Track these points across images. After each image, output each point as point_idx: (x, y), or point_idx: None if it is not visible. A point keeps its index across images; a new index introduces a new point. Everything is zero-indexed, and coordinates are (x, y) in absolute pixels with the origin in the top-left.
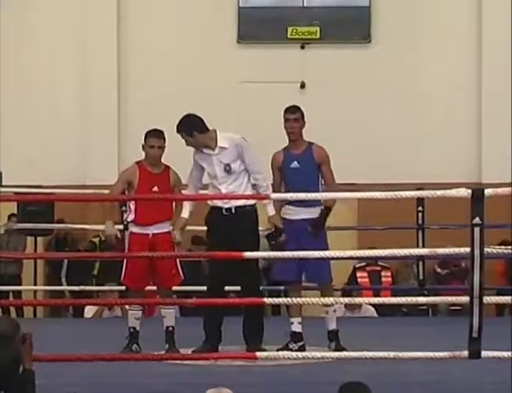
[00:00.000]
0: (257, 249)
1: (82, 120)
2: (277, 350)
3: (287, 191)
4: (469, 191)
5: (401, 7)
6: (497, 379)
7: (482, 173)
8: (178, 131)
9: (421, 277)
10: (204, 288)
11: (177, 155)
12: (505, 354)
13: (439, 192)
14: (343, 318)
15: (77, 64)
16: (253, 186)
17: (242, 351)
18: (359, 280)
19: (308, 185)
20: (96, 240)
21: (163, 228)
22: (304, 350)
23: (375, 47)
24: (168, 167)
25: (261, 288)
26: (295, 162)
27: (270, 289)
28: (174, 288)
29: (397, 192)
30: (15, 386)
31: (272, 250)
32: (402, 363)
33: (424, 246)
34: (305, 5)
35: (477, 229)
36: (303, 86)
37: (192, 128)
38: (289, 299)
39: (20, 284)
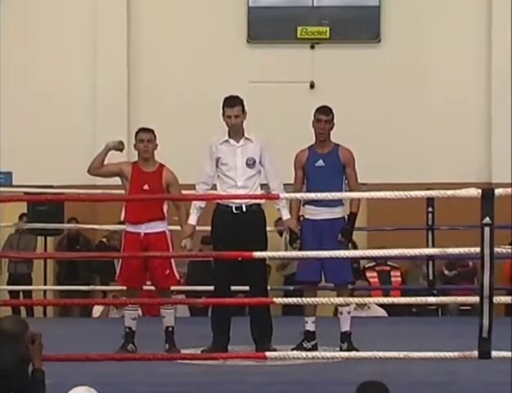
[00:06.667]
0: (265, 248)
1: (91, 120)
2: (292, 350)
3: (309, 190)
4: (479, 190)
5: (411, 7)
6: (507, 379)
7: (492, 173)
8: (238, 103)
9: (431, 277)
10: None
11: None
12: None
13: (449, 192)
14: (353, 317)
15: (86, 64)
16: (262, 186)
17: (252, 351)
18: (369, 280)
19: (331, 185)
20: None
21: (155, 227)
22: (316, 349)
23: (384, 47)
24: (162, 166)
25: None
26: (320, 161)
27: (281, 289)
28: (184, 288)
29: (406, 192)
30: (25, 386)
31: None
32: (412, 363)
33: (433, 247)
34: (315, 5)
35: (487, 229)
36: (312, 86)
37: (244, 106)
38: (299, 299)
39: (30, 283)
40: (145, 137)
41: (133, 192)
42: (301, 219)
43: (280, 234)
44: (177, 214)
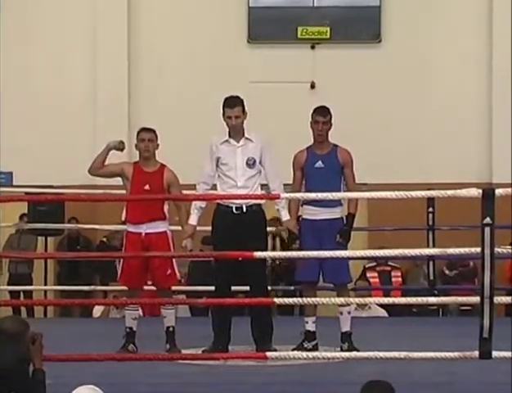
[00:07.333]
0: (265, 249)
1: (91, 120)
2: (292, 350)
3: (308, 191)
4: (480, 191)
5: (412, 7)
6: (508, 379)
7: (493, 173)
8: (238, 103)
9: (431, 277)
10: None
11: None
12: None
13: (449, 192)
14: (353, 317)
15: (86, 64)
16: (262, 186)
17: (252, 351)
18: (369, 280)
19: (330, 186)
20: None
21: (156, 227)
22: (317, 349)
23: (385, 47)
24: (163, 166)
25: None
26: (319, 162)
27: (280, 289)
28: (184, 288)
29: (407, 192)
30: (25, 386)
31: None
32: (413, 364)
33: (434, 247)
34: (315, 5)
35: (487, 229)
36: (313, 86)
37: (244, 106)
38: (299, 299)
39: (30, 284)
40: (147, 137)
41: (134, 192)
42: (300, 219)
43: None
44: (177, 214)
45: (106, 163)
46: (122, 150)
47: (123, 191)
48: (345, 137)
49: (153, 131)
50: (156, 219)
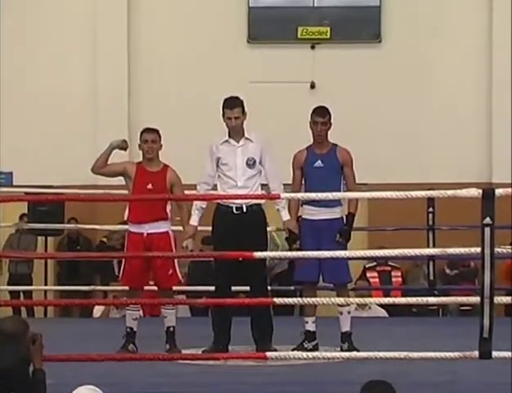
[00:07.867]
0: (265, 249)
1: (91, 120)
2: (292, 350)
3: (307, 191)
4: (480, 191)
5: (412, 7)
6: (508, 380)
7: (493, 173)
8: (238, 104)
9: (431, 277)
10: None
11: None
12: None
13: (449, 192)
14: (354, 317)
15: (86, 64)
16: (262, 186)
17: (252, 351)
18: (369, 280)
19: (330, 185)
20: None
21: (158, 227)
22: (317, 349)
23: (385, 47)
24: (166, 166)
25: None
26: (319, 161)
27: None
28: (184, 288)
29: (407, 192)
30: (26, 386)
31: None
32: (413, 364)
33: (434, 247)
34: (315, 5)
35: (487, 229)
36: (313, 86)
37: (244, 107)
38: (299, 299)
39: (30, 284)
40: (150, 138)
41: (137, 192)
42: (299, 219)
43: None
44: (179, 214)
45: (109, 162)
46: (125, 149)
47: (124, 191)
48: (345, 137)
49: (156, 131)
50: (158, 219)
